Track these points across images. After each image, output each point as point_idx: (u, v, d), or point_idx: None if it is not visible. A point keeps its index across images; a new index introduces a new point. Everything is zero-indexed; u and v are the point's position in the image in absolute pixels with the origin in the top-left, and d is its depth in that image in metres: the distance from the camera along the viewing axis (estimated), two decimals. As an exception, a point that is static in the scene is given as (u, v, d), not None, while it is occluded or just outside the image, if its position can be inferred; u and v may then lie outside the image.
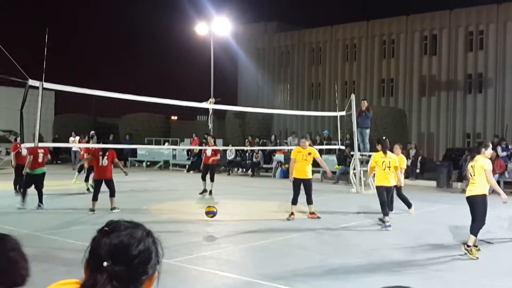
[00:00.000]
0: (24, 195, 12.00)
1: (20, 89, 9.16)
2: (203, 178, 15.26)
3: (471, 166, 8.09)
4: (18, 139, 14.11)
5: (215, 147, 15.84)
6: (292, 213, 10.95)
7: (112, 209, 11.65)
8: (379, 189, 10.40)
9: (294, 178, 10.94)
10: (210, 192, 15.18)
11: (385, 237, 9.38)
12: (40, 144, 9.90)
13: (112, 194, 11.68)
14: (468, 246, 7.74)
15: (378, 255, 7.86)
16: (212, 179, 15.15)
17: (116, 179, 17.17)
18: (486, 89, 37.00)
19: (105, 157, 11.47)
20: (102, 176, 11.56)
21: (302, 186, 10.98)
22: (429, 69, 39.34)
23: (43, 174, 12.19)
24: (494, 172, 17.29)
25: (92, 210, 11.42)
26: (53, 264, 6.89)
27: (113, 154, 11.69)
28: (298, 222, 10.93)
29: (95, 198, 11.47)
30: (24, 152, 12.23)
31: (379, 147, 10.82)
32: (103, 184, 11.62)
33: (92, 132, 20.90)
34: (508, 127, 30.32)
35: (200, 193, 15.16)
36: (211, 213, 10.08)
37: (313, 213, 11.14)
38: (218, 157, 16.23)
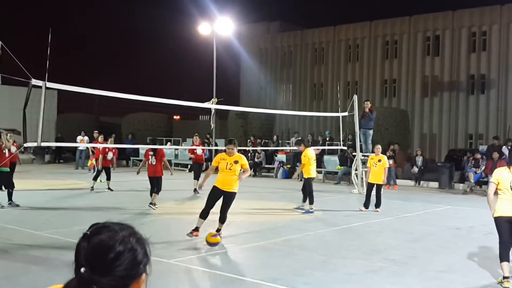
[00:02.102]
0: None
1: (23, 88, 9.20)
2: (197, 178, 15.48)
3: None
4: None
5: (203, 147, 16.61)
6: (196, 229, 8.72)
7: (151, 203, 12.17)
8: (310, 180, 12.33)
9: (214, 186, 8.74)
10: (196, 190, 15.25)
11: (387, 238, 9.39)
12: (44, 144, 9.91)
13: (157, 191, 12.31)
14: None
15: (379, 256, 7.86)
16: (198, 178, 15.44)
17: (120, 178, 17.26)
18: (489, 90, 36.93)
19: (154, 156, 12.36)
20: (153, 173, 12.38)
21: (221, 199, 8.82)
22: (432, 70, 39.29)
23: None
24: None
25: (151, 203, 12.20)
26: (55, 264, 6.90)
27: (162, 152, 12.56)
28: (300, 223, 10.94)
29: (151, 194, 12.35)
30: (13, 149, 12.22)
31: (301, 147, 12.72)
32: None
33: (96, 131, 20.95)
34: (511, 128, 30.27)
35: (198, 193, 15.18)
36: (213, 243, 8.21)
37: (219, 230, 8.75)
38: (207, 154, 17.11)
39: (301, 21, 48.86)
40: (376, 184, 12.63)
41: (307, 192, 12.42)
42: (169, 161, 27.20)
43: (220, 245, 8.42)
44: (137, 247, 1.53)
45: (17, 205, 11.96)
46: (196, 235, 8.61)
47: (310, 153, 12.44)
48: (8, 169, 12.06)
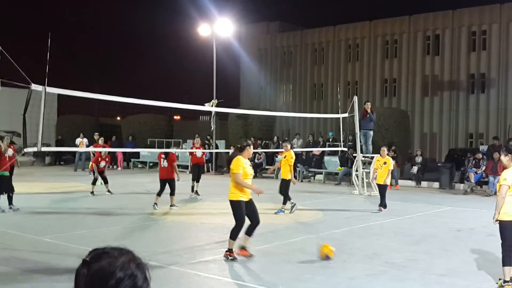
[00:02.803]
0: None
1: (23, 91, 9.18)
2: (197, 180, 15.87)
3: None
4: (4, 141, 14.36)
5: (203, 150, 17.05)
6: (243, 248, 7.74)
7: (171, 206, 12.77)
8: (288, 181, 12.49)
9: (241, 200, 7.69)
10: (197, 192, 15.74)
11: (387, 241, 9.38)
12: (44, 149, 9.90)
13: (172, 193, 12.81)
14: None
15: (380, 259, 7.86)
16: (199, 180, 15.91)
17: (121, 181, 17.26)
18: (489, 89, 36.93)
19: (166, 160, 12.77)
20: (165, 176, 12.80)
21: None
22: (432, 69, 39.28)
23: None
24: (497, 174, 17.30)
25: (155, 203, 12.62)
26: (56, 270, 6.90)
27: (173, 157, 12.96)
28: (300, 225, 10.94)
29: (159, 195, 12.69)
30: (11, 152, 12.21)
31: (288, 146, 12.90)
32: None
33: (96, 134, 20.94)
34: (511, 127, 30.24)
35: (197, 194, 15.72)
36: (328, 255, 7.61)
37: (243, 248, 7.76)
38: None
39: (301, 21, 48.92)
40: (381, 185, 13.12)
41: (283, 192, 12.65)
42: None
43: (221, 249, 8.41)
44: (137, 272, 1.54)
45: (18, 209, 11.96)
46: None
47: (294, 155, 12.93)
48: (8, 173, 12.07)
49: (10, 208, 11.95)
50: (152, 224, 10.88)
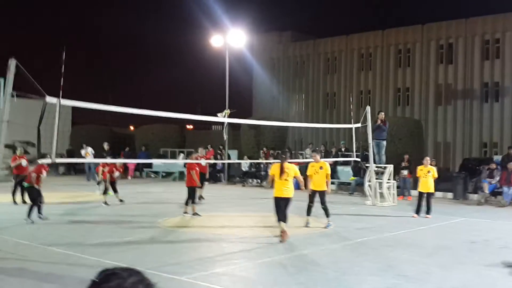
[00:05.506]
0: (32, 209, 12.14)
1: (38, 101, 9.27)
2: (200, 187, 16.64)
3: None
4: (17, 152, 15.42)
5: (208, 161, 17.94)
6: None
7: (194, 213, 13.24)
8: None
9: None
10: (201, 197, 16.51)
11: (401, 253, 9.29)
12: (58, 160, 9.99)
13: (192, 200, 13.40)
14: None
15: (393, 272, 7.77)
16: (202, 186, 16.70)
17: (133, 190, 17.29)
18: (503, 98, 36.61)
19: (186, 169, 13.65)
20: (188, 184, 13.53)
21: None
22: (445, 78, 39.07)
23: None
24: (511, 184, 17.10)
25: (185, 212, 13.34)
26: (67, 281, 6.93)
27: (190, 166, 13.69)
28: (313, 237, 10.88)
29: (186, 203, 13.40)
30: (24, 163, 12.40)
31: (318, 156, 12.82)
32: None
33: (107, 144, 21.06)
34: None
35: (201, 198, 16.43)
36: None
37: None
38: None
39: (313, 30, 49.01)
40: (426, 193, 13.82)
41: (325, 206, 12.39)
42: (182, 172, 27.43)
43: (232, 261, 8.41)
44: None
45: (47, 218, 12.17)
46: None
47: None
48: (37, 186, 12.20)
49: (39, 217, 12.10)
50: (163, 235, 10.88)
